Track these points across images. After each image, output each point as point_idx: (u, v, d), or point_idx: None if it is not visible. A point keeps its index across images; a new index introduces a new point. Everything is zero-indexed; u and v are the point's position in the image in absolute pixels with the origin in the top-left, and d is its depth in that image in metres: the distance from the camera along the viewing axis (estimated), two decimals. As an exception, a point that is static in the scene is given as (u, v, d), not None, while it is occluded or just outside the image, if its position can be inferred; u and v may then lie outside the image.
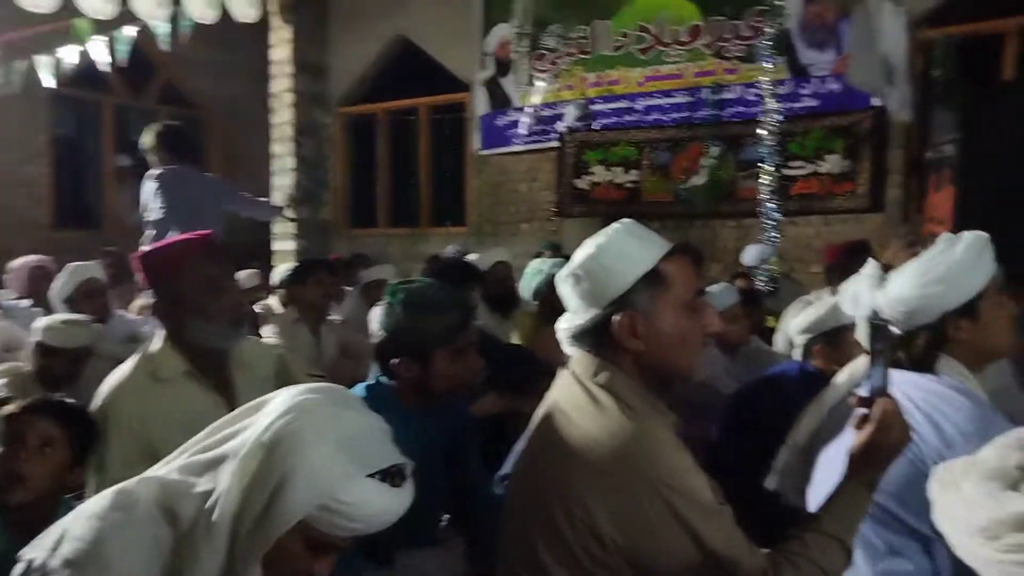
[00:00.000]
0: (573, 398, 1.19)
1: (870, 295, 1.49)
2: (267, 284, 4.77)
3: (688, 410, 2.61)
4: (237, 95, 7.93)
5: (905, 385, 1.39)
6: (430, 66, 7.15)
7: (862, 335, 1.55)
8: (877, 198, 5.26)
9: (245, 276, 4.66)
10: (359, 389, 1.74)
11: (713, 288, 2.84)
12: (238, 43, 7.26)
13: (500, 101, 6.84)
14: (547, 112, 6.55)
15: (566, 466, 1.14)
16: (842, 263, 3.51)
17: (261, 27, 6.73)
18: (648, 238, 1.18)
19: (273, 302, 4.01)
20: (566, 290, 1.20)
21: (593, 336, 1.18)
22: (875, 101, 5.02)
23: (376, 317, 1.75)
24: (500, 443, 2.09)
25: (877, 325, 1.20)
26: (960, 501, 0.70)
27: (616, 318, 1.14)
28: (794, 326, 2.38)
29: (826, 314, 2.27)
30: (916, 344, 1.43)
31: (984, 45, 5.00)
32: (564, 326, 1.25)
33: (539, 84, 6.57)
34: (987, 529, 0.66)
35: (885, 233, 5.23)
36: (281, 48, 7.27)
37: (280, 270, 4.50)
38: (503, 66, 6.80)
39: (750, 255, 4.67)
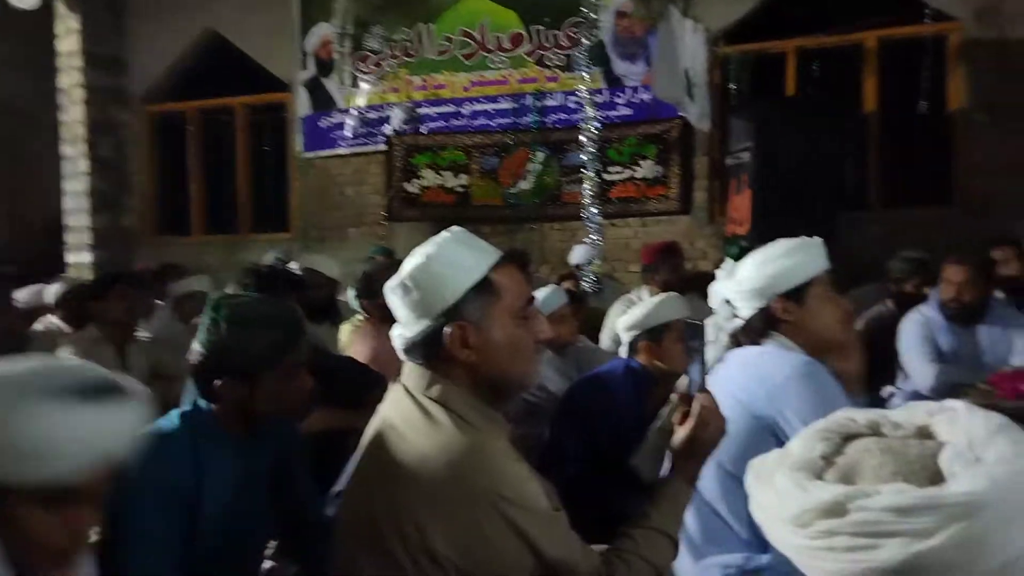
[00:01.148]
0: (405, 413, 1.15)
1: (723, 284, 1.72)
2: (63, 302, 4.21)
3: (521, 410, 2.66)
4: (18, 91, 7.03)
5: (738, 356, 1.63)
6: (247, 64, 6.77)
7: (720, 320, 1.69)
8: (686, 201, 5.67)
9: (28, 294, 4.07)
10: (172, 416, 1.58)
11: (542, 291, 2.91)
12: (17, 33, 6.45)
13: (323, 102, 6.62)
14: (373, 114, 6.43)
15: (398, 485, 1.09)
16: (655, 263, 3.75)
17: (45, 16, 6.03)
18: (478, 247, 1.16)
19: (55, 321, 3.58)
20: (395, 301, 1.15)
21: (424, 348, 1.14)
22: (680, 111, 5.40)
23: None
24: (334, 460, 2.00)
25: (693, 325, 1.26)
26: (773, 492, 0.74)
27: (447, 329, 1.12)
28: (621, 324, 2.48)
29: (651, 312, 2.39)
30: (752, 326, 1.66)
31: (772, 62, 5.55)
32: (396, 337, 1.21)
33: (364, 86, 6.44)
34: (798, 517, 0.70)
35: (694, 233, 5.67)
36: (68, 39, 6.55)
37: (54, 288, 3.94)
38: (325, 66, 6.59)
39: (578, 255, 4.86)
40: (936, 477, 0.69)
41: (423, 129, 6.31)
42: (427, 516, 1.06)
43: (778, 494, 0.74)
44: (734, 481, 1.52)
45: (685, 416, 1.22)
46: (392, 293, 1.15)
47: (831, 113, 4.87)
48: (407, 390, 1.17)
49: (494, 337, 1.13)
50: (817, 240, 1.70)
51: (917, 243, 4.85)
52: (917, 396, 3.03)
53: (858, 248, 4.88)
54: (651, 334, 2.37)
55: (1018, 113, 4.87)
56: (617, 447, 2.25)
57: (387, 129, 6.37)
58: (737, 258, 1.79)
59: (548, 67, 5.97)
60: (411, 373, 1.18)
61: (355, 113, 6.46)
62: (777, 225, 4.48)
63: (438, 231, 1.19)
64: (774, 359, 1.60)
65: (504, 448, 1.12)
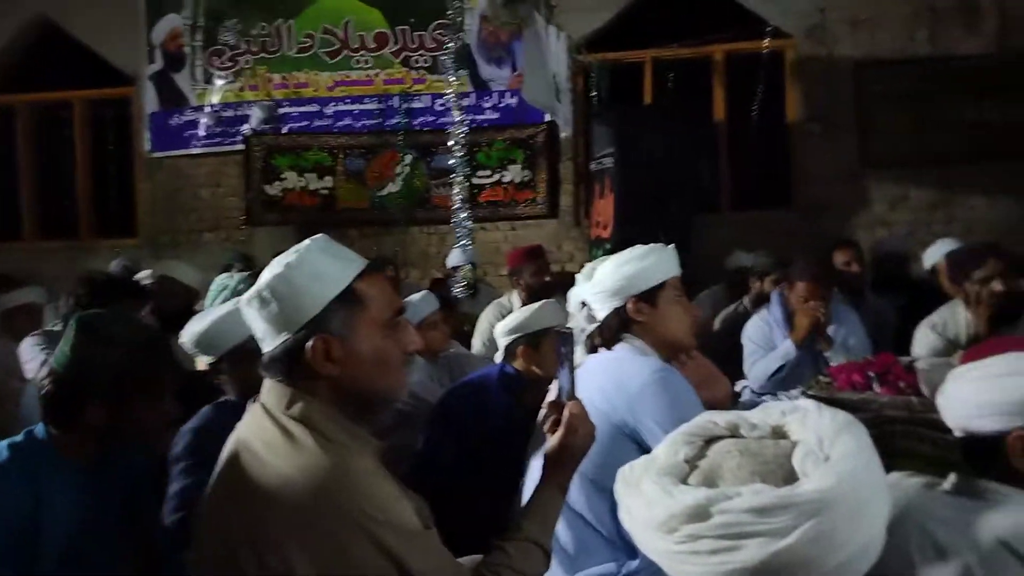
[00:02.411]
0: (263, 434, 1.07)
1: (580, 286, 1.79)
2: None
3: (393, 420, 2.60)
4: None
5: (595, 363, 1.69)
6: (85, 55, 6.23)
7: (578, 322, 1.73)
8: (553, 205, 5.79)
9: None
10: (2, 447, 1.42)
11: (413, 297, 2.86)
12: None
13: (173, 98, 6.21)
14: (229, 113, 6.11)
15: (256, 511, 1.02)
16: (520, 267, 3.79)
17: None
18: (341, 255, 1.10)
19: None
20: (251, 314, 1.07)
21: (284, 364, 1.07)
22: (547, 116, 5.51)
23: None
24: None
25: (562, 332, 1.27)
26: (641, 499, 0.76)
27: (309, 343, 1.06)
28: (499, 328, 2.47)
29: (531, 316, 2.40)
30: (608, 326, 1.73)
31: (631, 71, 5.78)
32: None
33: (218, 82, 6.10)
34: (665, 523, 0.71)
35: (561, 236, 5.80)
36: None
37: None
38: (175, 60, 6.18)
39: (455, 257, 4.83)
40: (791, 476, 0.72)
41: (284, 129, 6.06)
42: (289, 542, 1.00)
43: (646, 500, 0.75)
44: (598, 489, 1.56)
45: (555, 424, 1.23)
46: (248, 306, 1.07)
47: (685, 121, 5.14)
48: (266, 409, 1.09)
49: (360, 350, 1.08)
50: (670, 246, 1.80)
51: (762, 244, 5.23)
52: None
53: (710, 249, 5.18)
54: (530, 339, 2.38)
55: (846, 124, 5.34)
56: (491, 454, 2.24)
57: (245, 128, 6.06)
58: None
59: (415, 68, 5.91)
60: (270, 391, 1.11)
61: (209, 111, 6.11)
62: (638, 228, 4.69)
63: (301, 235, 1.13)
64: (630, 366, 1.66)
65: (371, 467, 1.07)
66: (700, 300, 4.03)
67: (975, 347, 1.18)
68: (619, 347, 1.71)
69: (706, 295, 4.35)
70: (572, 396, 1.24)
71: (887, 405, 2.23)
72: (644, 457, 0.82)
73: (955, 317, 2.94)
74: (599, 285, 1.73)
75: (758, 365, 3.11)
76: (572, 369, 1.25)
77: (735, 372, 3.19)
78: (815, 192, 5.42)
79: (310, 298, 1.06)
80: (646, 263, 1.72)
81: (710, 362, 2.51)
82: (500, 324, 2.48)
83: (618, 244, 4.78)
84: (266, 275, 1.08)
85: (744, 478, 0.72)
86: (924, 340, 2.93)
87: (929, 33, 5.19)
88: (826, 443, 0.72)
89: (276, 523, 1.01)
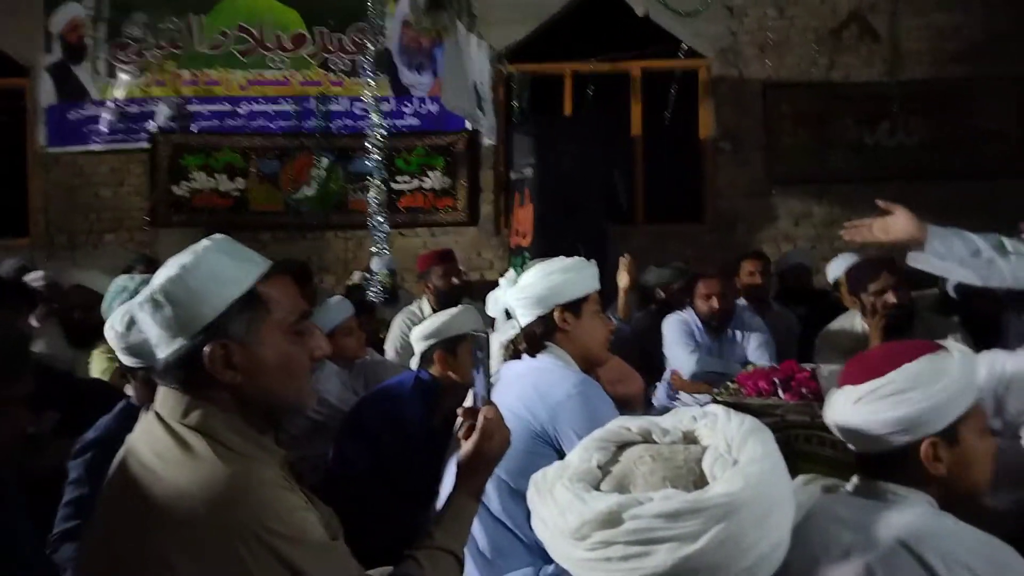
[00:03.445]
0: (157, 444, 1.00)
1: (504, 292, 1.80)
2: None
3: (305, 429, 2.51)
4: None
5: (514, 370, 1.71)
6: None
7: (502, 331, 1.72)
8: (473, 213, 5.78)
9: None
10: None
11: (329, 302, 2.78)
12: None
13: (73, 91, 5.86)
14: (134, 109, 5.82)
15: (148, 526, 0.95)
16: (428, 270, 3.75)
17: None
18: (243, 256, 1.05)
19: None
20: (144, 318, 1.00)
21: (181, 370, 1.01)
22: (468, 124, 5.51)
23: None
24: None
25: (477, 336, 1.25)
26: (554, 505, 0.75)
27: (207, 349, 1.00)
28: (415, 333, 2.43)
29: (448, 322, 2.37)
30: (531, 333, 1.76)
31: (551, 82, 5.85)
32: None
33: (123, 77, 5.80)
34: (577, 530, 0.70)
35: (481, 244, 5.80)
36: None
37: None
38: (75, 51, 5.84)
39: (378, 262, 4.74)
40: (701, 480, 0.72)
41: (193, 128, 5.82)
42: (184, 559, 0.94)
43: (558, 507, 0.74)
44: (516, 495, 1.56)
45: (470, 430, 1.21)
46: (140, 310, 1.00)
47: (603, 134, 5.23)
48: (160, 418, 1.02)
49: (262, 356, 1.03)
50: (593, 262, 1.86)
51: (675, 255, 5.37)
52: (670, 388, 3.37)
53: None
54: (446, 344, 2.36)
55: (754, 143, 5.57)
56: (407, 463, 2.20)
57: (151, 126, 5.79)
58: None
59: (333, 71, 5.80)
60: (165, 399, 1.04)
61: (112, 106, 5.80)
62: (556, 237, 4.74)
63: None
64: (553, 376, 1.69)
65: (274, 477, 1.02)
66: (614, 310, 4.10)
67: (860, 355, 1.19)
68: (542, 356, 1.74)
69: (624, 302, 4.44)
70: (488, 401, 1.22)
71: (790, 410, 2.32)
72: (557, 463, 0.81)
73: (852, 325, 3.11)
74: (525, 291, 1.75)
75: (702, 359, 3.25)
76: (488, 374, 1.23)
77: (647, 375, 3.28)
78: (725, 207, 5.62)
79: (208, 301, 1.00)
80: (573, 275, 1.77)
81: (623, 361, 2.58)
82: (416, 329, 2.44)
83: (538, 253, 4.82)
84: (159, 277, 1.01)
85: (655, 483, 0.72)
86: (824, 348, 3.09)
87: (830, 59, 5.48)
88: (734, 447, 0.73)
89: (167, 537, 0.94)
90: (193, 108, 5.83)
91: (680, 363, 3.30)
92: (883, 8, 5.37)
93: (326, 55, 5.80)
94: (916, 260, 2.10)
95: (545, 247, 4.79)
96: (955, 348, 1.12)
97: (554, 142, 4.98)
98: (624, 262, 3.77)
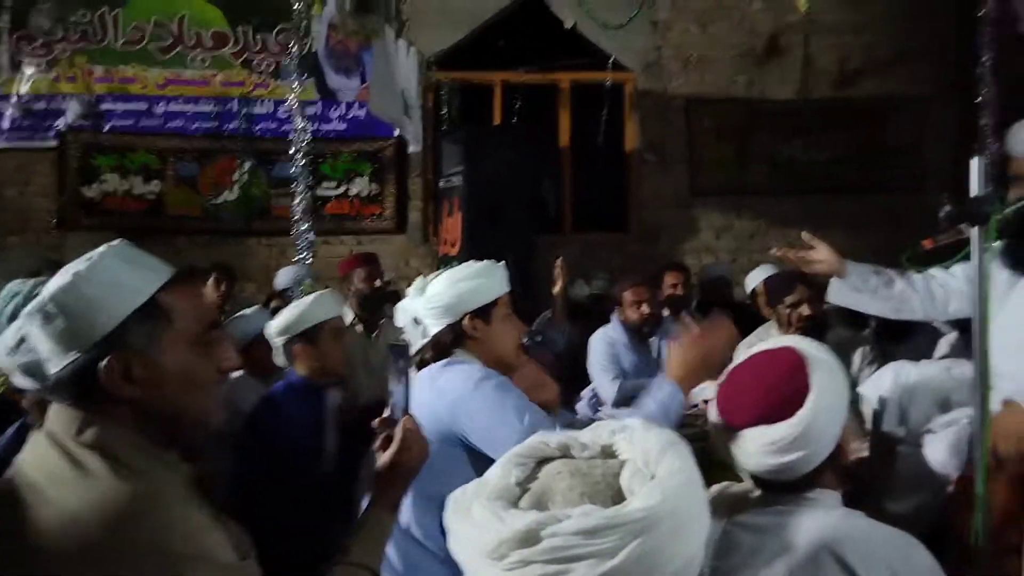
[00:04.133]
0: (48, 466, 0.93)
1: (412, 301, 1.74)
2: None
3: (218, 445, 2.40)
4: None
5: (423, 375, 1.68)
6: None
7: (411, 336, 1.69)
8: (401, 220, 5.72)
9: None
10: None
11: (246, 312, 2.68)
12: None
13: (-29, 85, 5.52)
14: (41, 105, 5.51)
15: (37, 557, 0.88)
16: (350, 274, 3.68)
17: None
18: (144, 263, 0.99)
19: None
20: (34, 331, 0.93)
21: (75, 385, 0.94)
22: (397, 131, 5.45)
23: None
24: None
25: (396, 345, 1.23)
26: (471, 525, 0.73)
27: (104, 362, 0.93)
28: (271, 329, 2.34)
29: (303, 313, 2.29)
30: (440, 342, 1.72)
31: (480, 91, 5.85)
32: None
33: (28, 70, 5.49)
34: (495, 550, 0.69)
35: (409, 252, 5.73)
36: None
37: None
38: (-26, 42, 5.50)
39: (284, 278, 4.59)
40: (619, 496, 0.72)
41: (106, 127, 5.56)
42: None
43: (476, 526, 0.72)
44: (427, 503, 1.53)
45: (387, 441, 1.18)
46: (29, 321, 0.93)
47: (532, 144, 5.27)
48: (51, 437, 0.95)
49: (165, 368, 0.96)
50: (501, 264, 1.83)
51: (602, 264, 5.44)
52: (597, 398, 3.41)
53: (553, 268, 5.32)
54: (306, 336, 2.27)
55: (678, 155, 5.71)
56: (300, 470, 2.11)
57: (60, 123, 5.50)
58: None
59: (257, 72, 5.64)
60: (57, 416, 0.96)
61: (16, 101, 5.48)
62: (485, 246, 4.72)
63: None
64: (452, 373, 1.65)
65: (178, 494, 0.96)
66: (545, 320, 4.12)
67: (732, 381, 1.23)
68: (445, 360, 1.71)
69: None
70: (406, 412, 1.19)
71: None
72: (475, 481, 0.79)
73: (769, 337, 3.21)
74: (434, 300, 1.71)
75: (623, 385, 3.26)
76: (408, 384, 1.20)
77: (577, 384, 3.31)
78: (650, 218, 5.74)
79: (104, 312, 0.93)
80: (481, 280, 1.73)
81: (539, 367, 2.57)
82: (271, 325, 2.34)
83: (466, 262, 4.80)
84: (51, 286, 0.94)
85: (574, 500, 0.71)
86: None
87: (748, 77, 5.68)
88: (652, 461, 0.73)
89: (58, 566, 0.87)
90: (106, 106, 5.57)
91: (602, 390, 3.33)
92: (798, 28, 5.60)
93: (250, 55, 5.64)
94: (834, 296, 2.24)
95: (474, 256, 4.73)
96: (817, 358, 1.18)
97: (483, 151, 4.98)
98: (557, 269, 3.80)
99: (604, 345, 3.44)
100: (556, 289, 3.79)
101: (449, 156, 5.17)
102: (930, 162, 5.61)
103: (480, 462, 1.54)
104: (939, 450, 2.00)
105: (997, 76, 4.47)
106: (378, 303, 3.49)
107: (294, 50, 4.36)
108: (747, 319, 3.72)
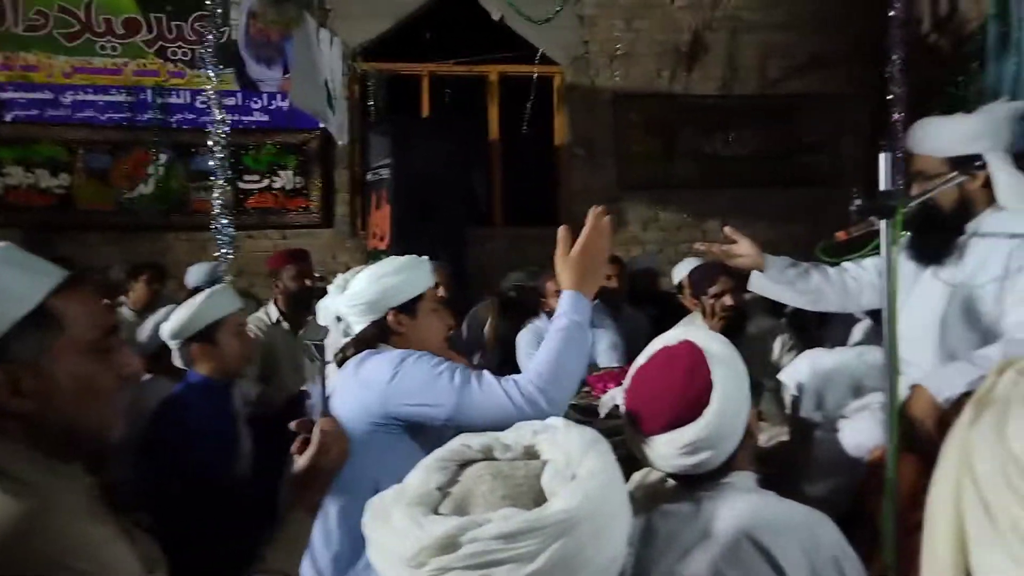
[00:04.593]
0: (-70, 486, 0.86)
1: (334, 299, 1.70)
2: None
3: (125, 453, 2.28)
4: None
5: (344, 374, 1.63)
6: None
7: (334, 334, 1.65)
8: (328, 214, 5.59)
9: None
10: None
11: (160, 311, 2.56)
12: None
13: None
14: (-69, 92, 5.15)
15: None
16: (279, 270, 3.57)
17: None
18: (32, 267, 0.92)
19: None
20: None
21: (-42, 400, 0.87)
22: (321, 123, 5.32)
23: None
24: None
25: (309, 346, 1.19)
26: (390, 532, 0.70)
27: (-10, 376, 0.86)
28: (165, 332, 2.24)
29: (194, 313, 2.18)
30: (364, 339, 1.68)
31: (408, 82, 5.77)
32: None
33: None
34: (414, 557, 0.67)
35: (337, 247, 5.62)
36: None
37: None
38: None
39: (195, 275, 4.41)
40: (540, 497, 0.71)
41: (7, 117, 5.23)
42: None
43: (395, 533, 0.70)
44: (356, 500, 1.48)
45: (304, 444, 1.14)
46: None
47: (461, 136, 5.23)
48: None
49: (58, 379, 0.90)
50: (425, 259, 1.82)
51: (533, 257, 5.47)
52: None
53: (484, 261, 5.32)
54: (202, 336, 2.17)
55: (605, 149, 5.78)
56: (209, 474, 2.02)
57: (-45, 112, 5.15)
58: None
59: (172, 61, 5.41)
60: (-59, 433, 0.89)
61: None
62: (415, 240, 4.67)
63: (30, 239, 0.92)
64: (374, 363, 1.61)
65: (77, 508, 0.90)
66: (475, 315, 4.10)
67: (638, 382, 1.25)
68: (366, 351, 1.66)
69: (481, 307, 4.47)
70: (325, 413, 1.16)
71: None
72: (394, 487, 0.76)
73: (694, 327, 3.28)
74: (356, 298, 1.68)
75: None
76: (324, 384, 1.17)
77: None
78: (579, 211, 5.70)
79: None
80: (405, 275, 1.71)
81: (461, 358, 2.55)
82: (165, 326, 2.23)
83: (397, 256, 4.73)
84: None
85: (495, 503, 0.70)
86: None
87: (672, 72, 5.78)
88: (573, 461, 0.72)
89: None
90: (6, 95, 5.24)
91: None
92: (720, 26, 5.74)
93: (164, 43, 5.40)
94: (755, 286, 2.30)
95: (403, 250, 4.67)
96: (715, 352, 1.20)
97: (412, 143, 4.91)
98: (486, 309, 3.79)
99: (531, 335, 3.46)
100: (487, 328, 3.75)
101: (377, 148, 5.08)
102: (846, 158, 5.84)
103: (422, 437, 1.52)
104: (854, 434, 2.08)
105: (906, 76, 4.69)
106: (307, 303, 3.40)
107: (211, 38, 4.20)
108: (674, 309, 3.81)
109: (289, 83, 5.17)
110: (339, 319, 1.67)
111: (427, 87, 5.80)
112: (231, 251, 4.07)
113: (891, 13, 4.64)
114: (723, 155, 5.83)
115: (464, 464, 0.77)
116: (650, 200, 5.82)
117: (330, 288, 1.73)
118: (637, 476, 1.30)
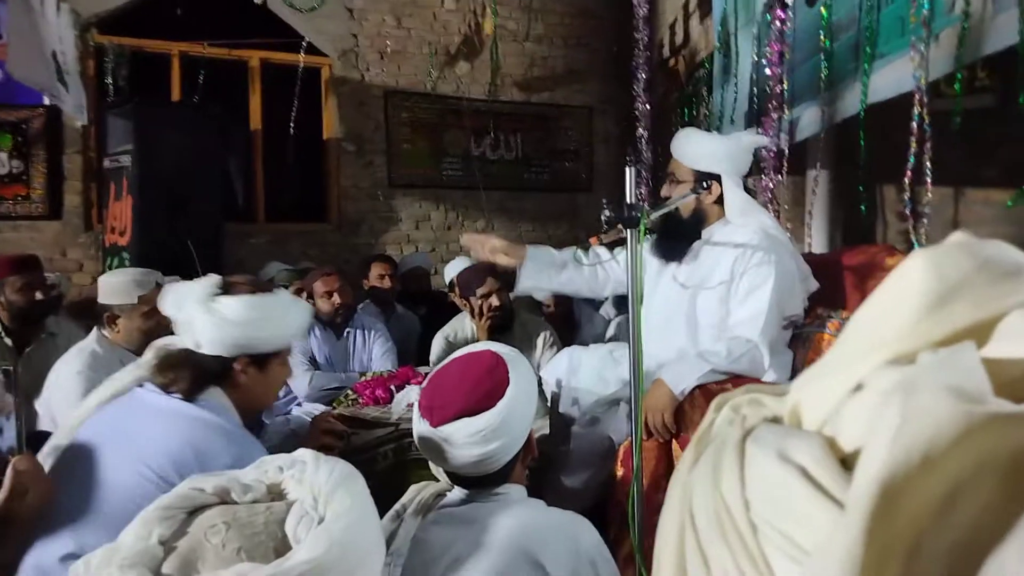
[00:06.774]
0: None
1: (201, 308, 1.43)
2: None
3: None
4: None
5: (156, 406, 1.36)
6: None
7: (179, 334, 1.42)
8: (55, 204, 4.88)
9: None
10: None
11: None
12: None
13: None
14: None
15: None
16: (2, 280, 3.05)
17: None
18: None
19: None
20: None
21: None
22: (48, 99, 4.62)
23: None
24: None
25: (1, 372, 1.00)
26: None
27: None
28: None
29: None
30: (203, 372, 1.43)
31: (155, 62, 5.21)
32: None
33: None
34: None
35: (66, 241, 4.92)
36: None
37: None
38: None
39: None
40: (284, 545, 0.65)
41: None
42: None
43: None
44: None
45: None
46: None
47: (219, 124, 4.83)
48: None
49: None
50: (308, 305, 1.71)
51: (298, 255, 5.24)
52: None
53: (245, 258, 4.99)
54: None
55: (375, 146, 5.68)
56: None
57: None
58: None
59: None
60: None
61: None
62: (162, 235, 4.23)
63: None
64: (214, 436, 1.36)
65: None
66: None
67: (435, 384, 1.34)
68: (199, 402, 1.43)
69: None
70: (19, 451, 0.98)
71: (406, 418, 2.38)
72: (104, 548, 0.65)
73: (463, 326, 3.34)
74: (225, 327, 1.44)
75: (316, 378, 3.10)
76: (20, 417, 0.99)
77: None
78: (350, 208, 5.63)
79: None
80: (279, 322, 1.53)
81: None
82: None
83: (139, 252, 4.23)
84: None
85: (229, 557, 0.62)
86: (438, 347, 3.27)
87: (440, 73, 5.84)
88: (321, 501, 0.67)
89: None
90: None
91: (296, 384, 3.14)
92: (487, 32, 5.90)
93: None
94: (522, 288, 2.44)
95: (148, 246, 4.23)
96: (514, 358, 1.28)
97: (159, 128, 4.44)
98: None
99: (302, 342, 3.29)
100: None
101: (116, 132, 4.51)
102: (598, 166, 6.31)
103: None
104: (606, 427, 2.24)
105: (649, 94, 5.17)
106: (38, 321, 2.92)
107: None
108: (446, 309, 3.84)
109: (4, 51, 4.43)
110: (188, 325, 1.40)
111: (178, 68, 5.28)
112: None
113: (636, 36, 5.10)
114: (490, 158, 6.01)
115: (195, 511, 0.68)
116: (422, 198, 5.83)
117: (192, 283, 1.45)
118: (414, 488, 1.30)
